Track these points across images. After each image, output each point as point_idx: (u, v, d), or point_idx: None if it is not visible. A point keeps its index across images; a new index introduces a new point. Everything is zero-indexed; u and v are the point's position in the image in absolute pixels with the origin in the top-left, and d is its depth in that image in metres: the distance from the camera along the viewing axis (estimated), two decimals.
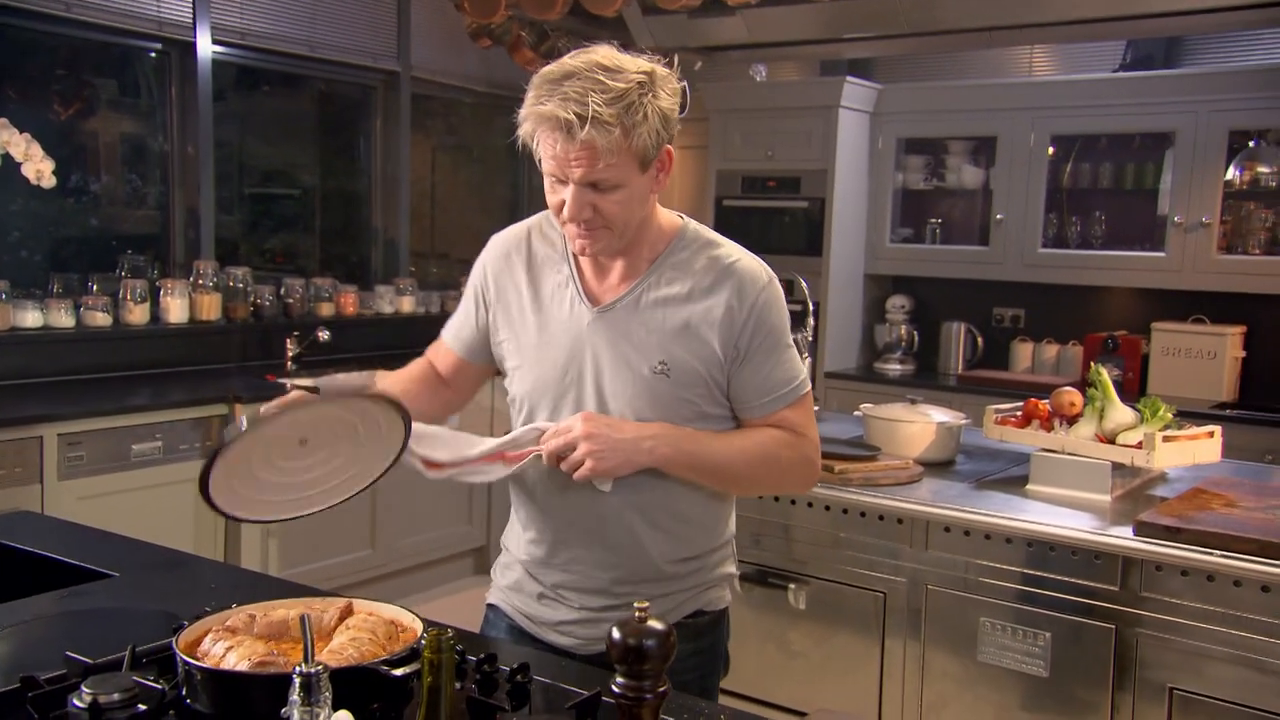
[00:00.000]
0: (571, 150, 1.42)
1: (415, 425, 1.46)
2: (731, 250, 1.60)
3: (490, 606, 1.75)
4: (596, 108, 1.39)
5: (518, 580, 1.70)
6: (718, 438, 1.56)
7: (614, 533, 1.58)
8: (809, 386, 1.63)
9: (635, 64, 1.45)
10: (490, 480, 1.54)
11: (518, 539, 1.70)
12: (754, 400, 1.58)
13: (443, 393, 1.75)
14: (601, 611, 1.61)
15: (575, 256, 1.61)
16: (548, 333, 1.60)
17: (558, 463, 1.48)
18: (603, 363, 1.56)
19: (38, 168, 3.59)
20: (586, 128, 1.39)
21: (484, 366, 1.73)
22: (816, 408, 3.37)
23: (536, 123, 1.44)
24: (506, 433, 1.57)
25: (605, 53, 1.46)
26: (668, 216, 1.62)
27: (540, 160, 1.49)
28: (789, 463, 1.60)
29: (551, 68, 1.45)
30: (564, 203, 1.48)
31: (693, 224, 1.63)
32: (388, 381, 1.73)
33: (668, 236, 1.60)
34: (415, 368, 1.76)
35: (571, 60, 1.44)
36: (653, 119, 1.44)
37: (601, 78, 1.41)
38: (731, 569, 1.73)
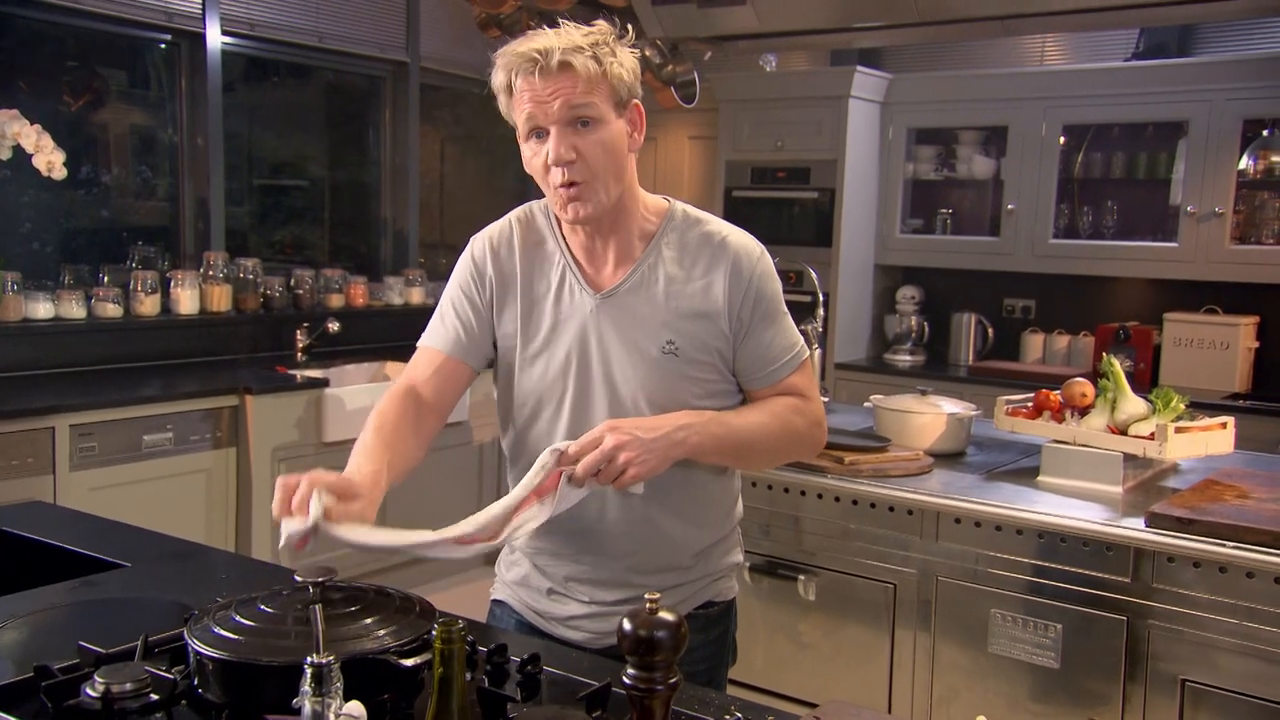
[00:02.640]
0: (549, 82, 1.45)
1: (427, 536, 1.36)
2: (720, 226, 1.62)
3: (496, 602, 1.75)
4: (570, 36, 1.47)
5: (525, 575, 1.69)
6: (738, 415, 1.57)
7: (628, 519, 1.58)
8: (808, 351, 1.66)
9: (594, 25, 1.53)
10: (539, 523, 1.41)
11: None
12: (760, 371, 1.60)
13: (423, 426, 1.59)
14: (613, 606, 1.60)
15: (570, 247, 1.60)
16: (552, 324, 1.59)
17: (593, 477, 1.41)
18: (611, 348, 1.56)
19: (48, 159, 3.60)
20: (561, 52, 1.44)
21: (473, 371, 1.65)
22: (826, 399, 3.39)
23: (511, 65, 1.48)
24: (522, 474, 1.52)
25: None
26: (654, 198, 1.64)
27: (518, 126, 1.51)
28: (803, 429, 1.61)
29: (514, 40, 1.51)
30: (547, 158, 1.48)
31: (679, 204, 1.65)
32: (383, 437, 1.52)
33: (657, 217, 1.61)
34: (390, 412, 1.56)
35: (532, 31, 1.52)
36: (622, 56, 1.50)
37: (567, 27, 1.50)
38: (739, 558, 1.74)
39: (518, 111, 1.50)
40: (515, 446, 1.66)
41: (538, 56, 1.45)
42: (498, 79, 1.51)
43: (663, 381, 1.55)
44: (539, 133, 1.49)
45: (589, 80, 1.46)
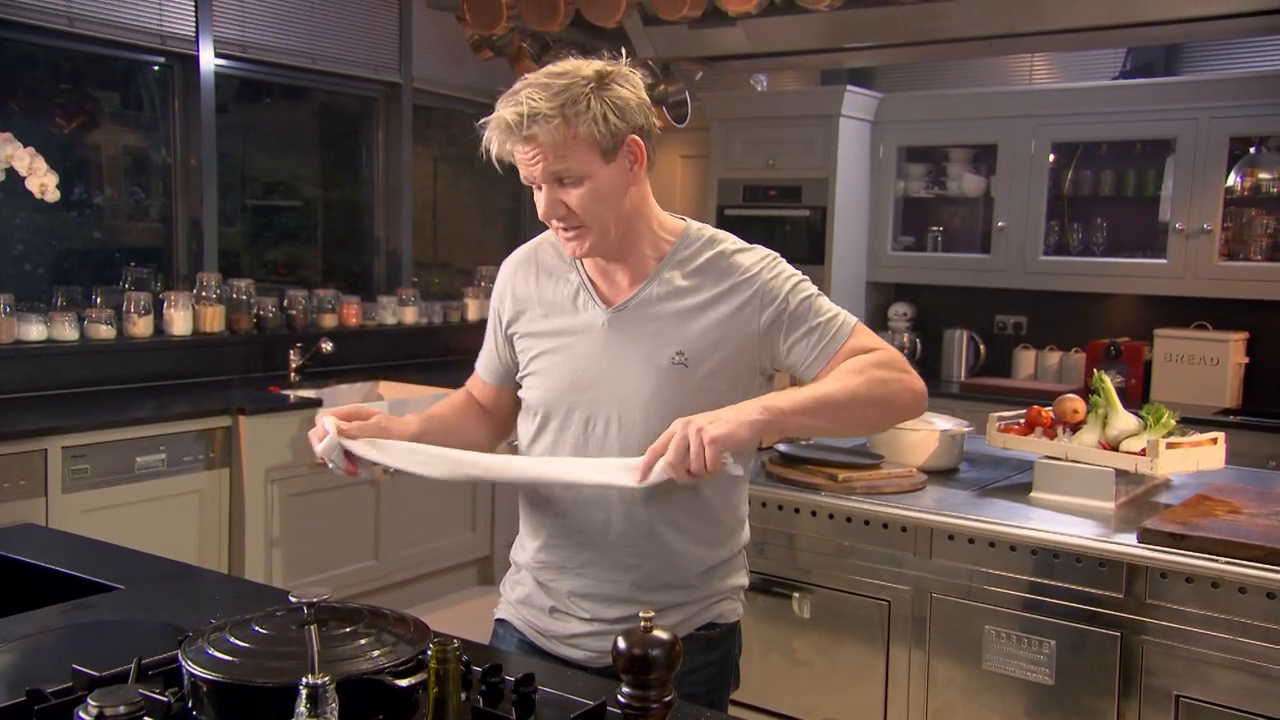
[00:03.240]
0: (523, 149, 1.48)
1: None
2: (731, 244, 1.65)
3: (499, 621, 1.75)
4: (533, 104, 1.45)
5: (528, 594, 1.70)
6: (816, 384, 1.54)
7: (633, 532, 1.58)
8: (855, 318, 1.62)
9: (590, 65, 1.52)
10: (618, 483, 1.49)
11: (526, 551, 1.70)
12: (814, 351, 1.58)
13: (488, 422, 1.78)
14: (615, 624, 1.60)
15: (585, 265, 1.64)
16: (564, 337, 1.62)
17: (686, 473, 1.40)
18: (620, 361, 1.58)
19: (41, 181, 3.60)
20: (525, 123, 1.45)
21: (514, 393, 1.74)
22: None
23: (491, 132, 1.50)
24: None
25: (562, 63, 1.52)
26: (671, 219, 1.66)
27: None
28: (890, 376, 1.55)
29: (515, 86, 1.52)
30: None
31: (695, 224, 1.67)
32: (441, 408, 1.77)
33: (672, 237, 1.64)
34: (459, 396, 1.80)
35: (530, 75, 1.51)
36: (598, 108, 1.47)
37: (546, 80, 1.48)
38: (744, 580, 1.74)
39: (517, 164, 1.54)
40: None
41: (509, 126, 1.47)
42: (484, 142, 1.52)
43: (673, 392, 1.56)
44: (531, 182, 1.54)
45: (558, 145, 1.47)
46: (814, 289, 1.63)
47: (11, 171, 3.59)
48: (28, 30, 3.90)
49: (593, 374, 1.59)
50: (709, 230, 1.67)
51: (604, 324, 1.60)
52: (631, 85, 1.53)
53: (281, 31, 4.64)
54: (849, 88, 4.80)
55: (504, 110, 1.48)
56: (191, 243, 4.46)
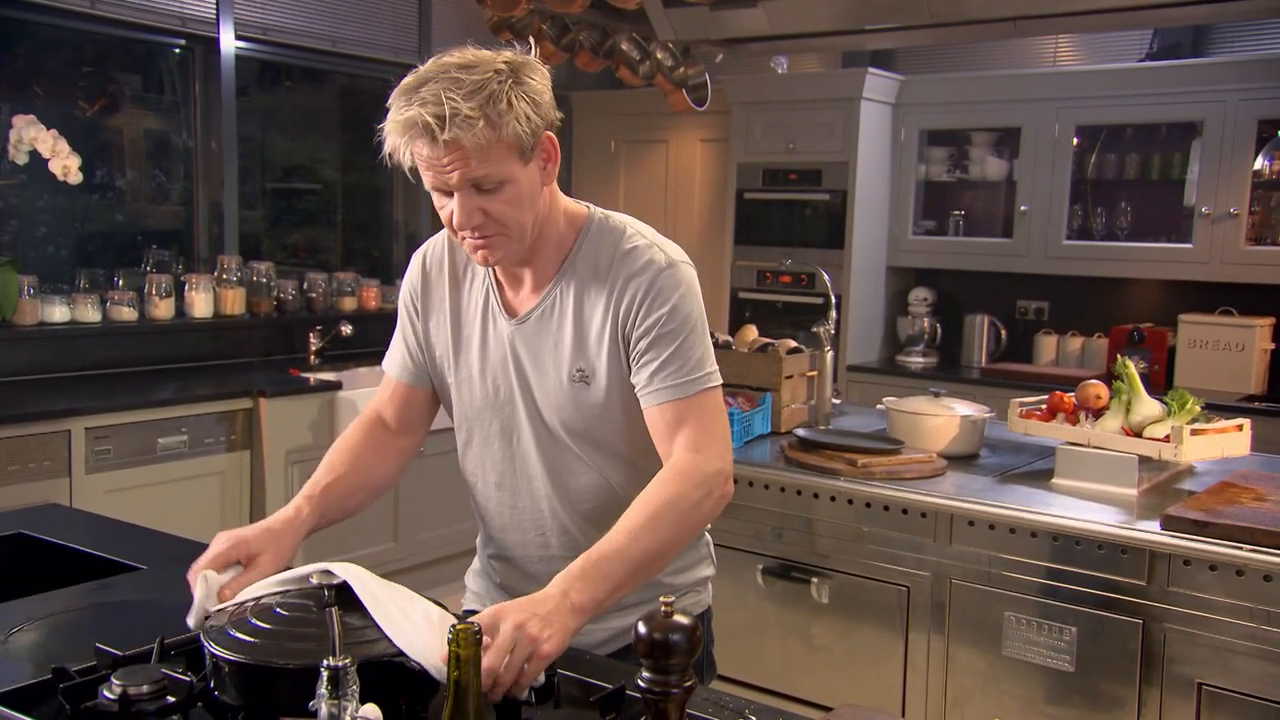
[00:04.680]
0: (441, 154, 1.34)
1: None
2: (634, 237, 1.50)
3: (469, 612, 1.74)
4: (454, 104, 1.31)
5: (486, 587, 1.71)
6: (622, 531, 1.37)
7: (566, 546, 1.55)
8: (717, 382, 1.48)
9: (494, 56, 1.38)
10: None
11: (481, 551, 1.72)
12: (644, 389, 1.46)
13: (392, 446, 1.64)
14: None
15: (494, 269, 1.55)
16: (476, 350, 1.56)
17: (490, 679, 1.17)
18: (529, 375, 1.53)
19: (64, 164, 3.63)
20: (448, 126, 1.31)
21: (432, 393, 1.65)
22: (839, 400, 3.37)
23: (399, 133, 1.35)
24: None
25: (461, 53, 1.38)
26: (575, 207, 1.54)
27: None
28: (696, 500, 1.41)
29: (407, 79, 1.37)
30: (453, 214, 1.40)
31: (599, 213, 1.54)
32: (334, 468, 1.57)
33: (574, 232, 1.51)
34: (354, 435, 1.63)
35: (425, 67, 1.37)
36: (519, 105, 1.35)
37: (457, 75, 1.34)
38: (706, 571, 1.68)
39: (416, 163, 1.40)
40: (464, 470, 1.66)
41: (423, 133, 1.33)
42: (388, 144, 1.38)
43: (578, 409, 1.50)
44: (440, 187, 1.40)
45: (482, 150, 1.34)
46: (697, 326, 1.48)
47: (35, 154, 3.61)
48: (51, 13, 3.92)
49: (505, 390, 1.54)
50: (613, 220, 1.54)
51: (509, 336, 1.53)
52: (541, 76, 1.41)
53: (301, 14, 4.64)
54: (870, 70, 4.76)
55: (413, 110, 1.32)
56: (212, 226, 4.48)
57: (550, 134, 1.43)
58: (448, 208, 1.42)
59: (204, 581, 1.37)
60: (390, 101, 1.38)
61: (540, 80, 1.41)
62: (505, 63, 1.37)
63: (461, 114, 1.31)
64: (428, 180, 1.40)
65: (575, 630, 1.28)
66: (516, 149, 1.38)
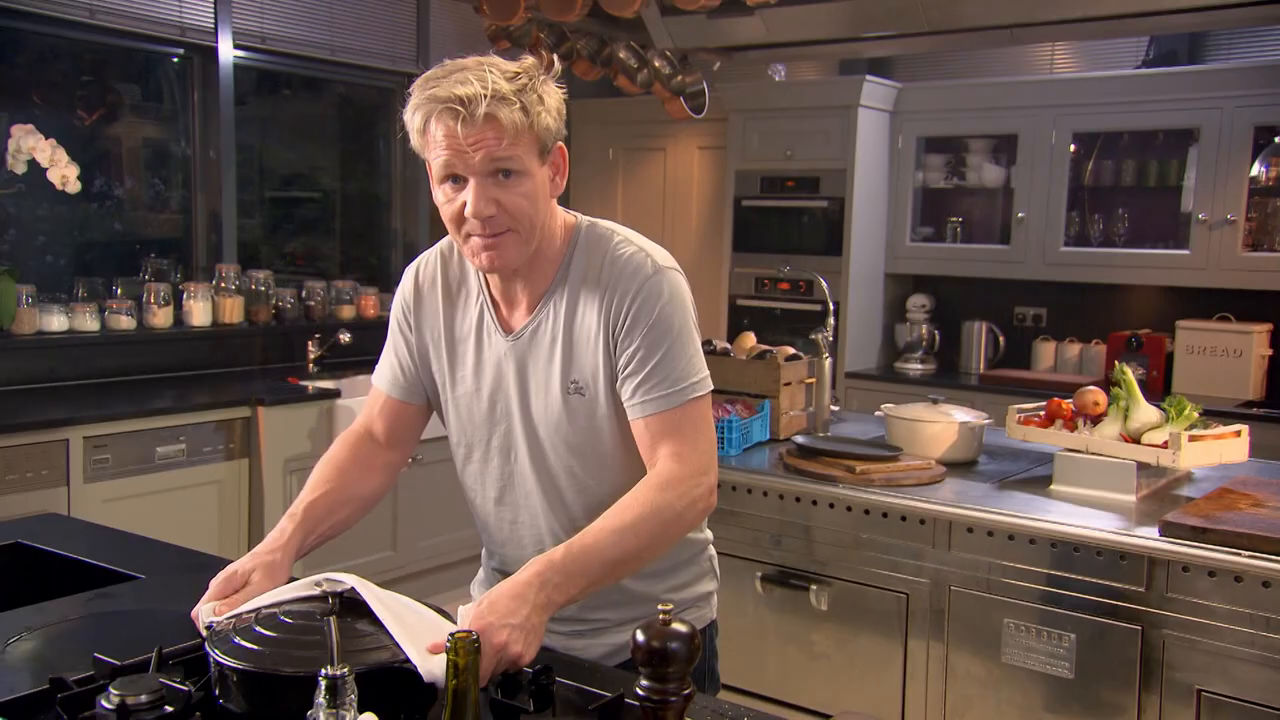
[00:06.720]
0: (472, 132, 1.34)
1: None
2: (622, 244, 1.50)
3: None
4: (497, 84, 1.35)
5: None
6: (601, 530, 1.38)
7: None
8: (703, 391, 1.48)
9: (526, 60, 1.43)
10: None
11: (486, 563, 1.71)
12: (630, 401, 1.46)
13: (380, 460, 1.64)
14: (568, 637, 1.57)
15: (488, 283, 1.54)
16: (472, 367, 1.56)
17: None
18: (524, 391, 1.52)
19: (63, 173, 3.63)
20: (488, 102, 1.33)
21: (422, 407, 1.65)
22: (837, 407, 3.37)
23: (431, 108, 1.36)
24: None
25: (494, 57, 1.41)
26: (566, 217, 1.54)
27: (431, 167, 1.42)
28: (679, 509, 1.42)
29: (434, 70, 1.40)
30: (463, 207, 1.39)
31: (587, 221, 1.54)
32: (320, 486, 1.58)
33: (566, 244, 1.51)
34: (339, 451, 1.63)
35: (454, 61, 1.40)
36: (550, 103, 1.40)
37: (495, 62, 1.39)
38: (708, 586, 1.67)
39: (432, 153, 1.40)
40: (464, 485, 1.65)
41: (459, 107, 1.34)
42: (414, 119, 1.39)
43: (574, 424, 1.49)
44: (455, 178, 1.40)
45: (515, 133, 1.36)
46: (685, 333, 1.47)
47: (33, 163, 3.61)
48: (49, 22, 3.93)
49: (502, 406, 1.54)
50: (601, 227, 1.53)
51: (505, 353, 1.52)
52: (558, 91, 1.44)
53: (300, 23, 4.65)
54: (868, 78, 4.77)
55: (455, 87, 1.34)
56: (211, 234, 4.48)
57: (562, 145, 1.47)
58: (457, 200, 1.40)
59: (209, 614, 1.36)
60: (415, 86, 1.39)
61: (558, 94, 1.45)
62: (534, 66, 1.42)
63: (504, 92, 1.35)
64: (442, 167, 1.39)
65: (541, 635, 1.30)
66: (539, 145, 1.41)
